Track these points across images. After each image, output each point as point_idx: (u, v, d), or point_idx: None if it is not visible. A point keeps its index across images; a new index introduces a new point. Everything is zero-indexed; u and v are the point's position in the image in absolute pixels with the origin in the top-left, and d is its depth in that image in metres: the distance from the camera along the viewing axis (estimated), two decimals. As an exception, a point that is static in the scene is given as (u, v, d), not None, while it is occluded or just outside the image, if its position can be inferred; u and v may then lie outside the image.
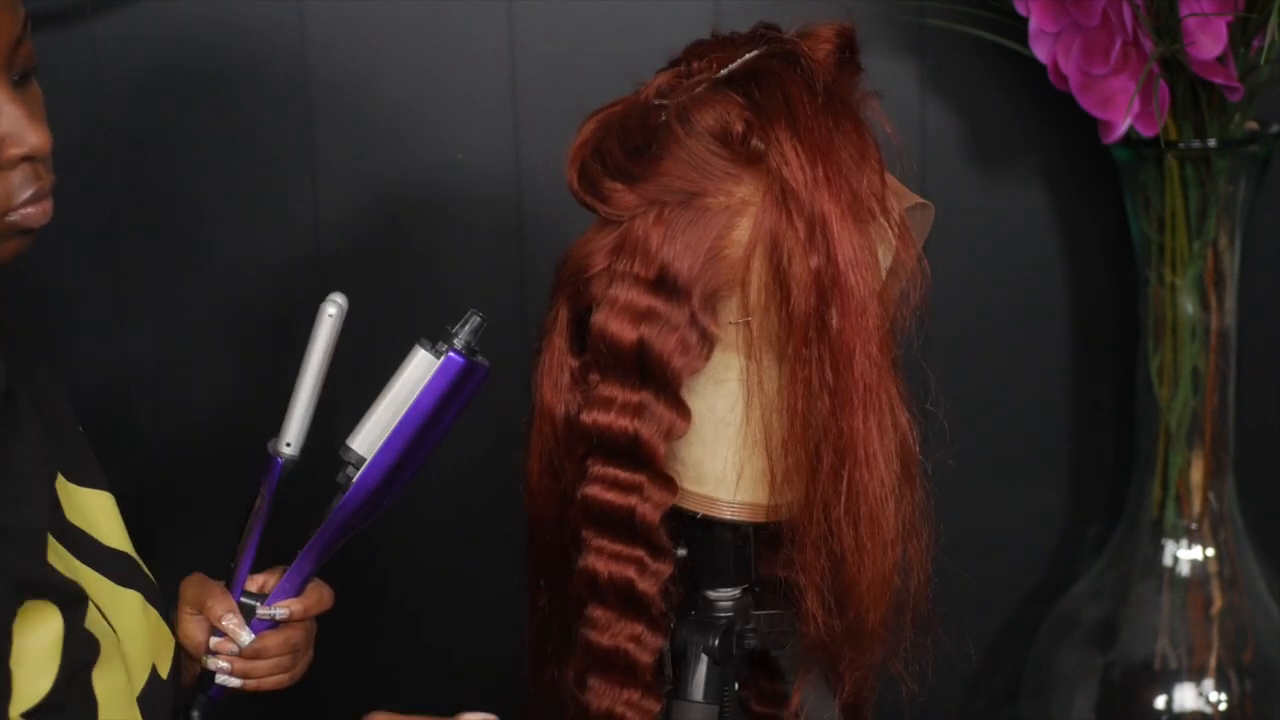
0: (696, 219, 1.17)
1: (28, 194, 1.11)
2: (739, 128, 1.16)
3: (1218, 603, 1.79)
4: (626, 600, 1.22)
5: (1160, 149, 1.69)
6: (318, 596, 1.30)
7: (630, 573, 1.22)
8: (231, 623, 1.26)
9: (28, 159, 1.10)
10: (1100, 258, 1.90)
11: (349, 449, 1.27)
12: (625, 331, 1.18)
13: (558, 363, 1.24)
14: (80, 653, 1.13)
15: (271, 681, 1.29)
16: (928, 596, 1.22)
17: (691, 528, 1.25)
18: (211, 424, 1.85)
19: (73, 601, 1.13)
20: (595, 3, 1.80)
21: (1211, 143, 1.68)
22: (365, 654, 1.88)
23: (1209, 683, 1.78)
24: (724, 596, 1.28)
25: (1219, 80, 1.63)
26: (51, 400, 1.25)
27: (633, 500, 1.20)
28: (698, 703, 1.27)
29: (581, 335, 1.23)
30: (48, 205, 1.13)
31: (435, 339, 1.25)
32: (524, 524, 1.30)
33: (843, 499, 1.17)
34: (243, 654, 1.26)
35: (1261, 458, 1.90)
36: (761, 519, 1.23)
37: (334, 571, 1.32)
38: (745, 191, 1.17)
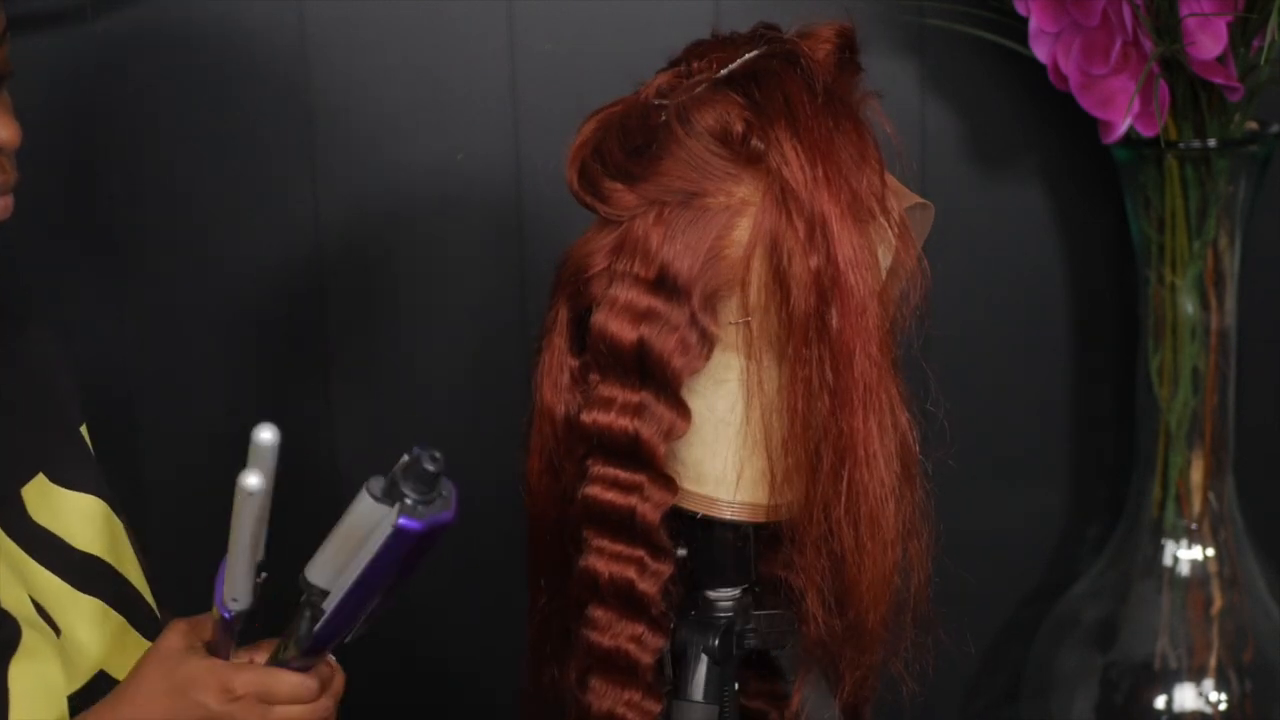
0: (696, 219, 1.17)
1: None
2: (739, 128, 1.16)
3: (1218, 603, 1.79)
4: (627, 600, 1.22)
5: (1160, 149, 1.69)
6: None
7: (630, 573, 1.22)
8: None
9: None
10: (1100, 258, 1.90)
11: (306, 580, 1.12)
12: (625, 331, 1.18)
13: (558, 363, 1.23)
14: None
15: None
16: (928, 596, 1.22)
17: (691, 528, 1.25)
18: (212, 424, 1.85)
19: None
20: (595, 3, 1.80)
21: (1211, 143, 1.68)
22: (364, 653, 1.88)
23: (1209, 683, 1.78)
24: (724, 596, 1.28)
25: (1219, 80, 1.63)
26: (41, 401, 1.24)
27: (633, 500, 1.20)
28: (698, 703, 1.27)
29: (581, 335, 1.23)
30: (8, 201, 1.15)
31: (390, 469, 1.10)
32: (524, 524, 1.30)
33: (843, 499, 1.17)
34: None
35: (1261, 458, 1.90)
36: (761, 519, 1.23)
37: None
38: (745, 191, 1.17)
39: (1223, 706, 1.78)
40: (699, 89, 1.18)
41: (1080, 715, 1.82)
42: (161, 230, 1.81)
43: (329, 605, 1.09)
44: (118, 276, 1.81)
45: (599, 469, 1.21)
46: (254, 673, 1.11)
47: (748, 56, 1.20)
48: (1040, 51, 1.68)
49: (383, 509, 1.04)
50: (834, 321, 1.15)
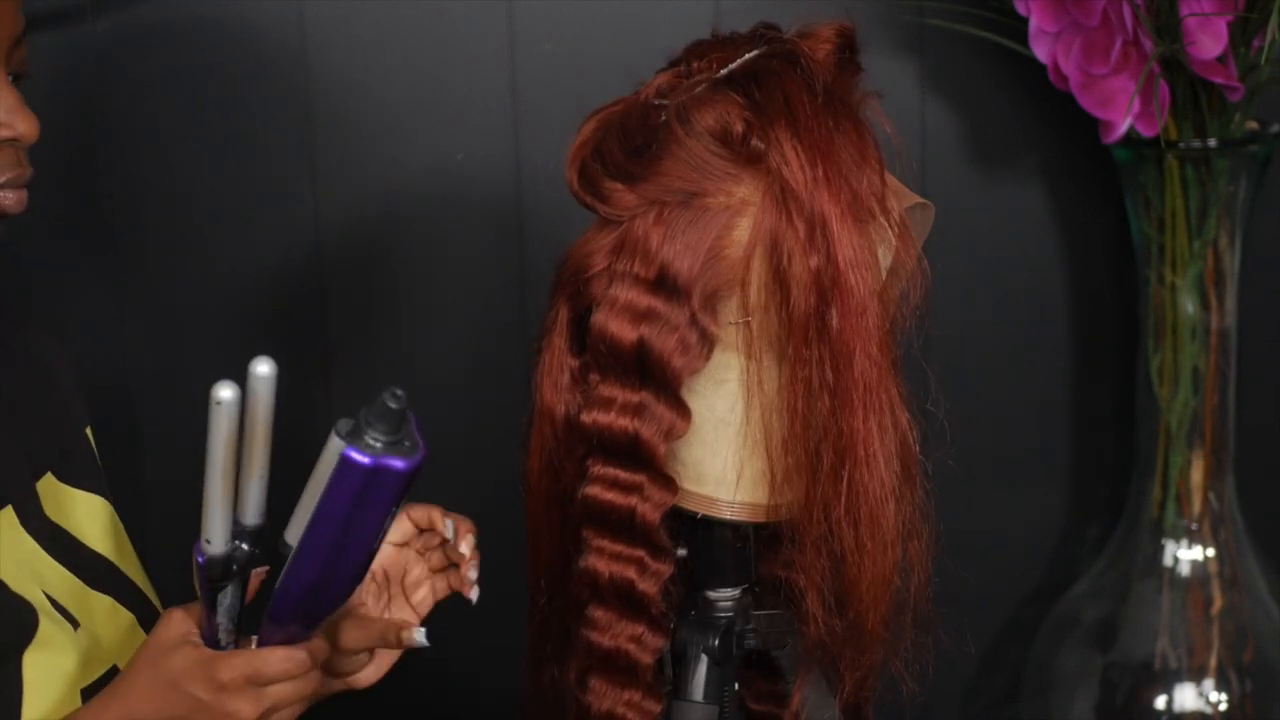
0: (696, 219, 1.17)
1: (8, 176, 1.15)
2: (739, 128, 1.16)
3: (1218, 603, 1.79)
4: (627, 600, 1.22)
5: (1160, 149, 1.69)
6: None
7: (631, 573, 1.21)
8: None
9: (11, 143, 1.15)
10: (1100, 258, 1.90)
11: (283, 541, 1.11)
12: (625, 331, 1.18)
13: (558, 363, 1.23)
14: (4, 629, 1.13)
15: None
16: (928, 596, 1.22)
17: (691, 528, 1.25)
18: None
19: None
20: (595, 3, 1.80)
21: (1212, 142, 1.68)
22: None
23: (1209, 683, 1.78)
24: (724, 596, 1.28)
25: (1219, 80, 1.63)
26: (47, 401, 1.25)
27: (633, 500, 1.20)
28: (698, 703, 1.27)
29: (582, 335, 1.23)
30: (23, 195, 1.17)
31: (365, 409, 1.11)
32: (524, 524, 1.30)
33: (843, 499, 1.17)
34: None
35: (1261, 458, 1.90)
36: (762, 519, 1.23)
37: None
38: (745, 191, 1.17)
39: (1223, 707, 1.78)
40: (699, 89, 1.18)
41: (1080, 715, 1.82)
42: (161, 230, 1.81)
43: (284, 570, 1.08)
44: (117, 276, 1.81)
45: (599, 469, 1.21)
46: (241, 658, 1.10)
47: (748, 56, 1.20)
48: (1040, 51, 1.68)
49: (340, 445, 1.03)
50: (834, 321, 1.15)
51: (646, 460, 1.19)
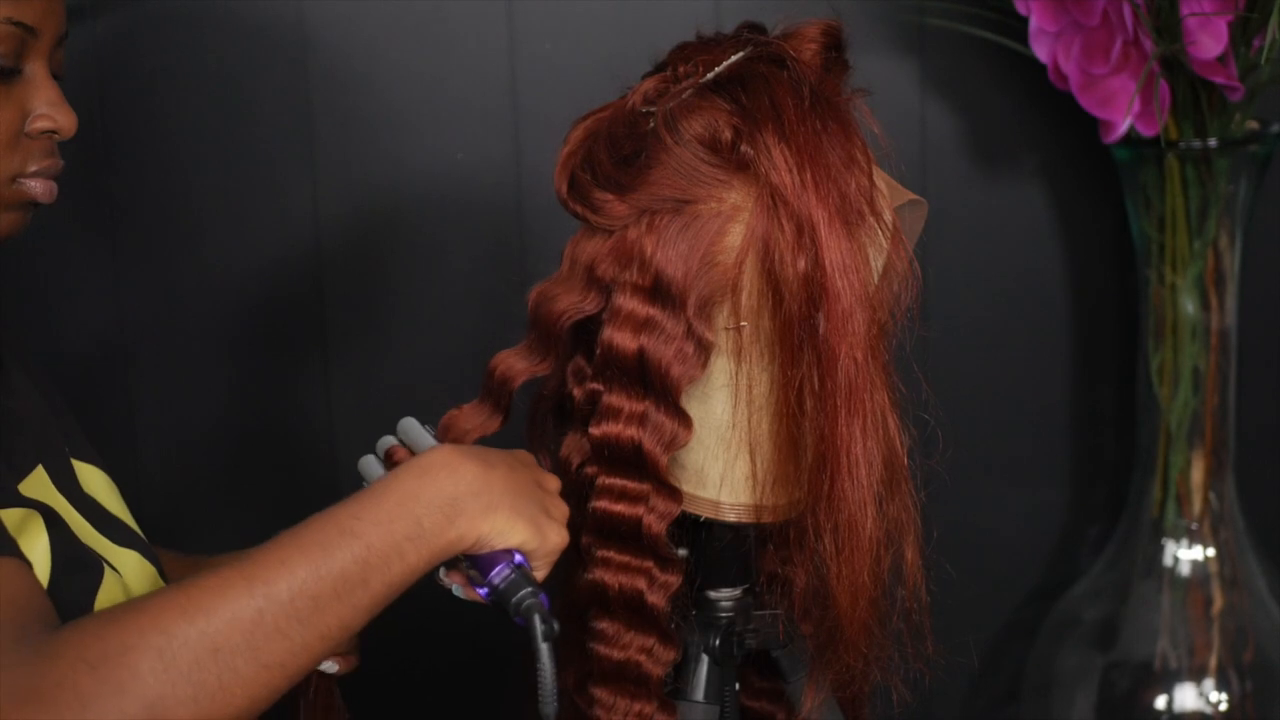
0: (688, 226, 1.17)
1: (41, 166, 1.18)
2: (727, 134, 1.15)
3: (1218, 603, 1.79)
4: (637, 612, 1.22)
5: (1161, 149, 1.69)
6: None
7: (640, 584, 1.21)
8: None
9: (50, 134, 1.18)
10: (1100, 258, 1.90)
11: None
12: (627, 342, 1.18)
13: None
14: (78, 570, 1.14)
15: None
16: (922, 604, 1.21)
17: (692, 529, 1.25)
18: (211, 423, 1.85)
19: (55, 520, 1.15)
20: (595, 3, 1.80)
21: (1212, 142, 1.68)
22: (366, 653, 1.88)
23: (1209, 683, 1.78)
24: (724, 597, 1.28)
25: (1219, 80, 1.63)
26: (40, 378, 1.27)
27: (640, 510, 1.20)
28: (698, 703, 1.27)
29: (584, 343, 1.23)
30: (54, 187, 1.19)
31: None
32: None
33: (823, 503, 1.17)
34: None
35: (1261, 458, 1.90)
36: (765, 519, 1.23)
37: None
38: (736, 197, 1.17)
39: (1223, 706, 1.78)
40: (686, 94, 1.18)
41: (1080, 715, 1.82)
42: (161, 230, 1.81)
43: None
44: (117, 275, 1.81)
45: (606, 480, 1.21)
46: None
47: (734, 59, 1.19)
48: (1040, 51, 1.68)
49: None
50: (820, 325, 1.15)
51: (650, 470, 1.19)
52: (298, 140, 1.79)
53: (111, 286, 1.81)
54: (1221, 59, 1.62)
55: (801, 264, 1.15)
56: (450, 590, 1.18)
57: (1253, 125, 1.72)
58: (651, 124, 1.18)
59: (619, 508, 1.20)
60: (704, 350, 1.18)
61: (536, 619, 1.10)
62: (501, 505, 1.11)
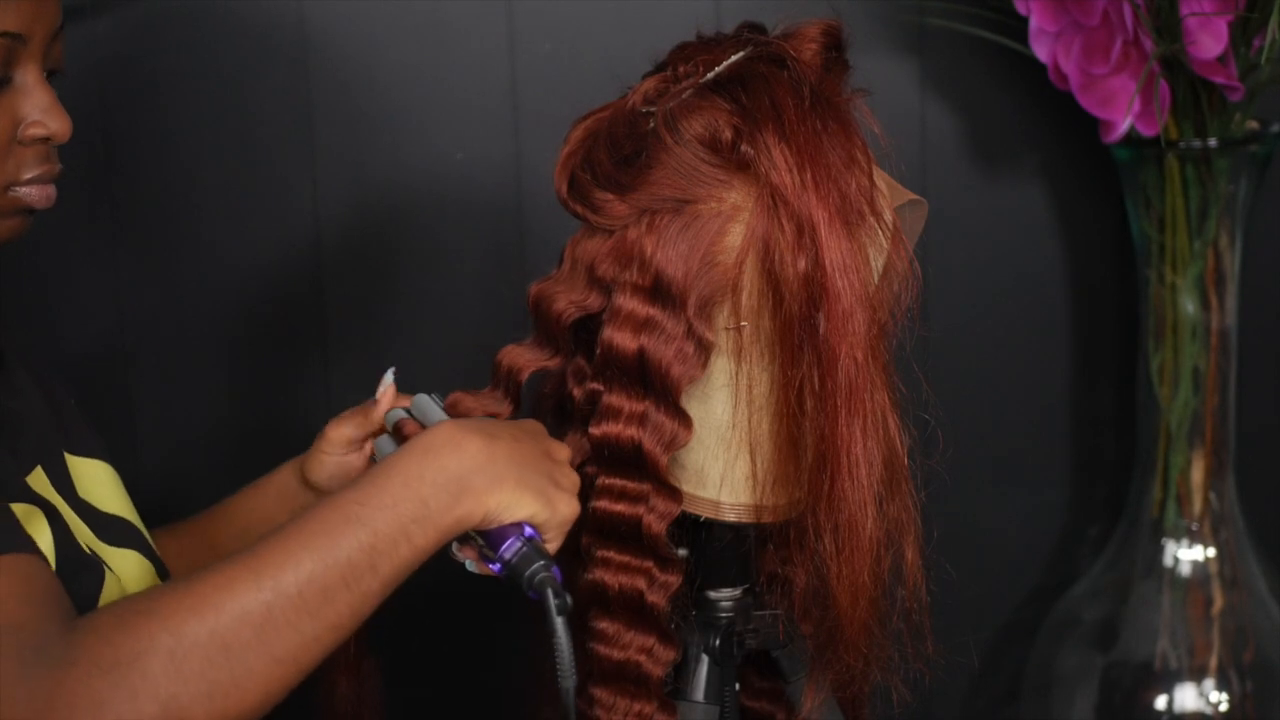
0: (688, 226, 1.17)
1: (36, 172, 1.16)
2: (727, 134, 1.15)
3: (1218, 603, 1.79)
4: (637, 612, 1.22)
5: (1161, 148, 1.69)
6: None
7: (640, 584, 1.21)
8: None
9: (43, 141, 1.16)
10: (1100, 258, 1.90)
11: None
12: (627, 341, 1.18)
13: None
14: (82, 569, 1.14)
15: None
16: (917, 607, 1.21)
17: (692, 529, 1.25)
18: (212, 422, 1.85)
19: (57, 518, 1.15)
20: (595, 3, 1.80)
21: (1212, 142, 1.68)
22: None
23: (1209, 683, 1.78)
24: (724, 597, 1.28)
25: (1219, 80, 1.63)
26: (44, 375, 1.26)
27: (640, 510, 1.20)
28: (698, 703, 1.27)
29: (584, 343, 1.23)
30: (51, 191, 1.18)
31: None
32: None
33: (823, 503, 1.17)
34: None
35: (1261, 458, 1.90)
36: (766, 519, 1.23)
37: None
38: (736, 197, 1.17)
39: (1223, 707, 1.78)
40: (686, 94, 1.18)
41: (1080, 715, 1.82)
42: (162, 229, 1.81)
43: None
44: (117, 275, 1.81)
45: (606, 480, 1.21)
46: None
47: (734, 59, 1.19)
48: (1040, 51, 1.68)
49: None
50: (820, 325, 1.15)
51: (650, 470, 1.19)
52: (298, 140, 1.79)
53: (112, 286, 1.81)
54: (1221, 59, 1.62)
55: (802, 264, 1.15)
56: (464, 566, 1.18)
57: (1253, 125, 1.72)
58: (651, 124, 1.18)
59: (619, 508, 1.20)
60: (704, 350, 1.18)
61: (550, 593, 1.09)
62: (507, 478, 1.11)
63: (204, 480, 1.85)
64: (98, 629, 1.00)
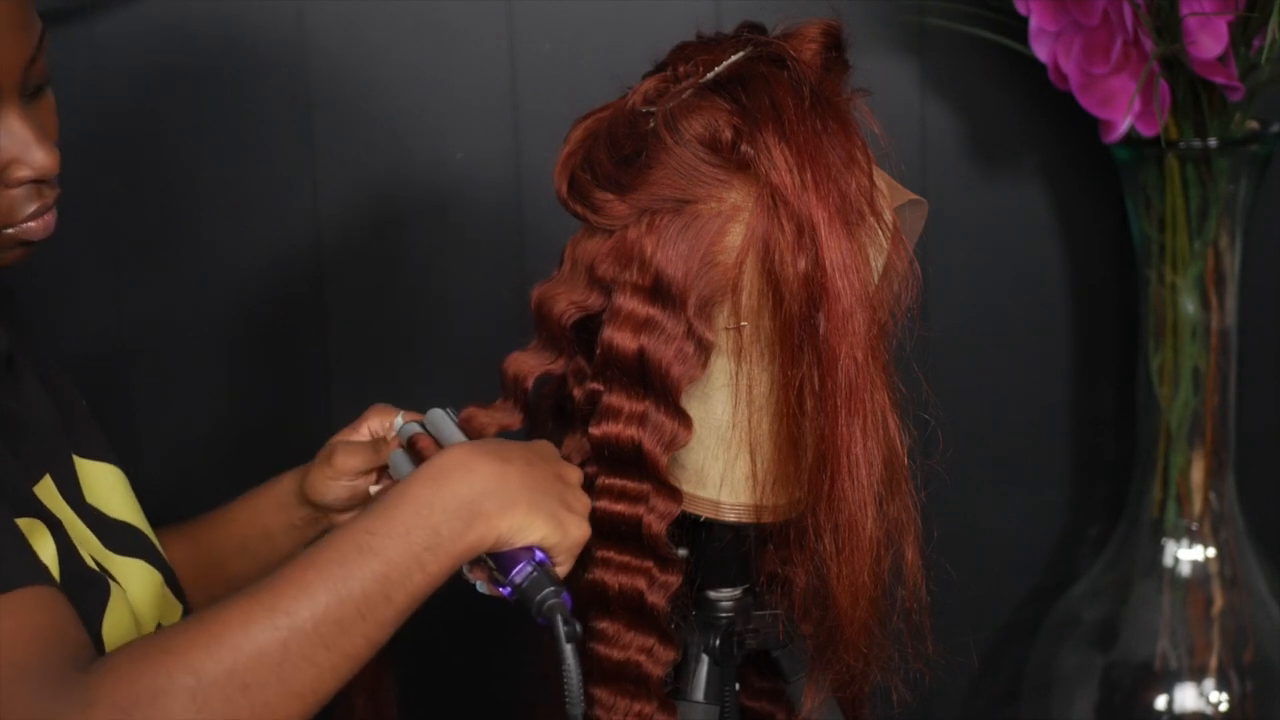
0: (688, 226, 1.17)
1: (31, 209, 1.13)
2: (727, 134, 1.15)
3: (1218, 603, 1.79)
4: (637, 612, 1.22)
5: (1161, 148, 1.69)
6: None
7: (640, 584, 1.21)
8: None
9: (33, 181, 1.12)
10: (1100, 258, 1.90)
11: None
12: (627, 341, 1.18)
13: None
14: (88, 586, 1.13)
15: None
16: (918, 607, 1.21)
17: (692, 529, 1.25)
18: (212, 423, 1.85)
19: (60, 531, 1.14)
20: (595, 3, 1.80)
21: (1212, 142, 1.68)
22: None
23: (1210, 683, 1.78)
24: (724, 597, 1.28)
25: (1220, 80, 1.63)
26: (55, 376, 1.26)
27: (640, 510, 1.20)
28: (698, 703, 1.27)
29: (584, 343, 1.23)
30: (50, 219, 1.15)
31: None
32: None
33: (823, 503, 1.17)
34: None
35: (1262, 458, 1.90)
36: (766, 519, 1.23)
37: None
38: (736, 197, 1.17)
39: (1223, 707, 1.78)
40: (686, 94, 1.18)
41: (1080, 715, 1.82)
42: (162, 229, 1.81)
43: None
44: (117, 275, 1.81)
45: (606, 480, 1.20)
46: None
47: (734, 59, 1.19)
48: (1040, 51, 1.68)
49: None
50: (820, 325, 1.15)
51: (650, 470, 1.19)
52: (298, 140, 1.79)
53: (112, 286, 1.81)
54: (1221, 59, 1.62)
55: (802, 264, 1.15)
56: (474, 587, 1.18)
57: (1253, 125, 1.72)
58: (651, 124, 1.18)
59: (619, 508, 1.20)
60: (704, 350, 1.18)
61: (559, 619, 1.09)
62: (519, 502, 1.11)
63: (204, 480, 1.85)
64: (115, 669, 0.99)
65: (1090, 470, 1.95)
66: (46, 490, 1.16)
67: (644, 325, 1.17)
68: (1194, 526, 1.79)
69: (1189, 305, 1.74)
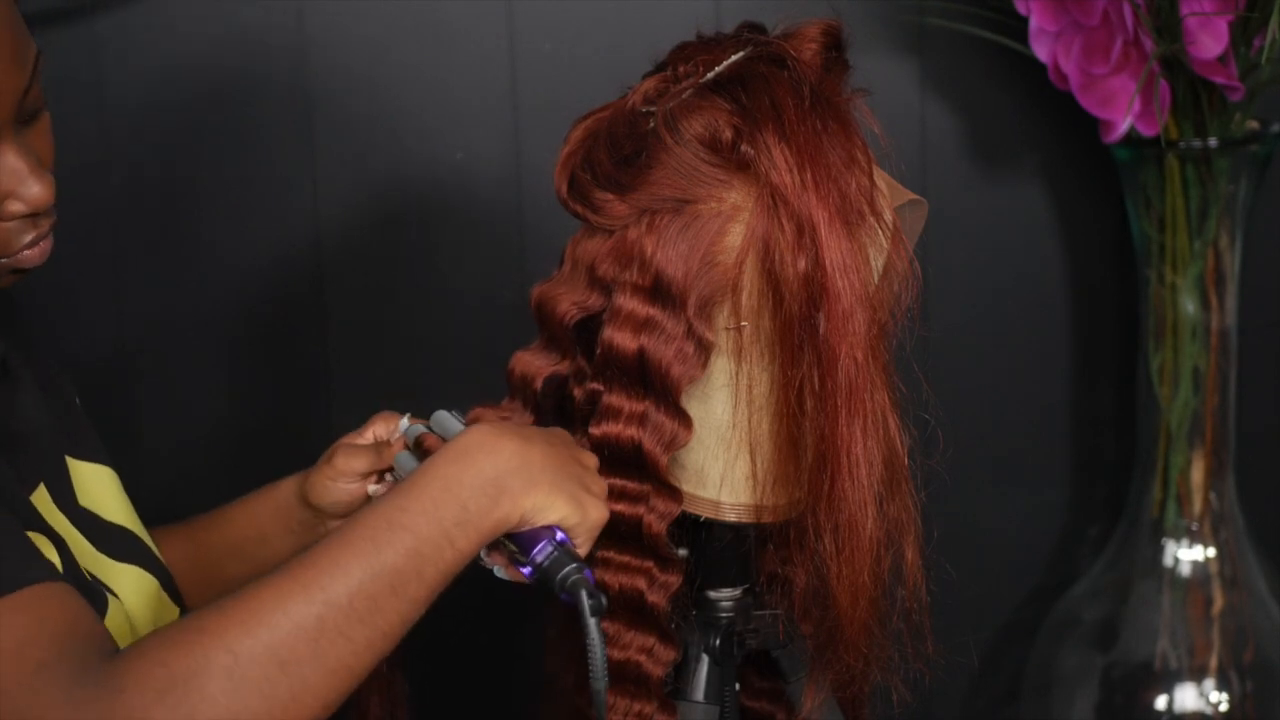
0: (688, 226, 1.17)
1: (26, 239, 1.12)
2: (728, 134, 1.15)
3: (1218, 603, 1.79)
4: (637, 612, 1.22)
5: (1161, 148, 1.69)
6: None
7: (640, 584, 1.21)
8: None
9: (26, 215, 1.11)
10: (1100, 258, 1.90)
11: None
12: (627, 341, 1.18)
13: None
14: (87, 597, 1.13)
15: None
16: (918, 607, 1.21)
17: (692, 529, 1.25)
18: (212, 424, 1.85)
19: (62, 545, 1.14)
20: (595, 3, 1.80)
21: (1212, 142, 1.68)
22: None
23: (1210, 683, 1.78)
24: (725, 596, 1.28)
25: (1220, 80, 1.63)
26: (52, 376, 1.26)
27: (640, 510, 1.20)
28: (698, 703, 1.27)
29: (585, 343, 1.23)
30: (46, 245, 1.14)
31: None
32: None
33: (823, 503, 1.17)
34: None
35: (1261, 458, 1.90)
36: (766, 519, 1.23)
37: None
38: (736, 197, 1.17)
39: (1223, 707, 1.78)
40: (686, 94, 1.18)
41: (1080, 715, 1.82)
42: (161, 229, 1.81)
43: None
44: (117, 276, 1.81)
45: (606, 480, 1.20)
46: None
47: (734, 59, 1.19)
48: (1040, 51, 1.68)
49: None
50: (820, 325, 1.15)
51: (650, 470, 1.19)
52: (298, 140, 1.79)
53: (112, 286, 1.81)
54: (1222, 59, 1.62)
55: (802, 264, 1.15)
56: (492, 571, 1.18)
57: (1253, 125, 1.72)
58: (651, 124, 1.18)
59: (619, 507, 1.20)
60: (704, 350, 1.18)
61: (583, 594, 1.09)
62: (542, 481, 1.11)
63: (204, 480, 1.85)
64: (146, 654, 0.99)
65: (1090, 470, 1.95)
66: (42, 500, 1.16)
67: (644, 325, 1.17)
68: (1194, 526, 1.79)
69: (1189, 305, 1.74)
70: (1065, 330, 1.92)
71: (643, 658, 1.22)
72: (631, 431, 1.19)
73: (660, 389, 1.18)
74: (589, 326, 1.22)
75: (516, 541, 1.12)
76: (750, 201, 1.16)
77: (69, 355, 1.80)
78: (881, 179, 1.21)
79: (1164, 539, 1.80)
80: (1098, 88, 1.66)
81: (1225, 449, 1.78)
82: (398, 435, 1.31)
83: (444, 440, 1.21)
